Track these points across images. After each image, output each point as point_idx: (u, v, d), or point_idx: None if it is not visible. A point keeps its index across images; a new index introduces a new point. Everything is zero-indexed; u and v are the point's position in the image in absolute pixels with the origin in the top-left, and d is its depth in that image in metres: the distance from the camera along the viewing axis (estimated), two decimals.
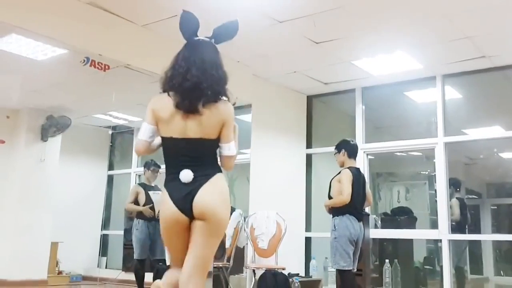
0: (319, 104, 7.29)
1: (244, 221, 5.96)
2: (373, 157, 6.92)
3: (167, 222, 2.47)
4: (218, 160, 2.56)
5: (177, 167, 2.45)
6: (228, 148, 2.54)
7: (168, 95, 2.50)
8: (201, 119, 2.45)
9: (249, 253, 5.97)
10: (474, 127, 6.78)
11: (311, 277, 6.39)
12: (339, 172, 5.16)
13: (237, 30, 2.69)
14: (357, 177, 5.09)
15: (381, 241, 6.70)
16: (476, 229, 7.43)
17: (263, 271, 5.41)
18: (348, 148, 5.24)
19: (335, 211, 5.05)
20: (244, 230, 5.93)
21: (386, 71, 6.13)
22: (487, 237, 6.79)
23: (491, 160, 8.61)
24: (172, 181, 2.47)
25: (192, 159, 2.47)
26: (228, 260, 5.89)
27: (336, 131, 6.94)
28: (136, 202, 6.09)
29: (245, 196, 6.21)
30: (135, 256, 5.96)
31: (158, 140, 2.59)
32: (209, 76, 2.48)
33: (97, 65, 5.28)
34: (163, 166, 6.69)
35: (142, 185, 6.23)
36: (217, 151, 2.55)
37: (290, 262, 6.03)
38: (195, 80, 2.45)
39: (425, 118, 6.55)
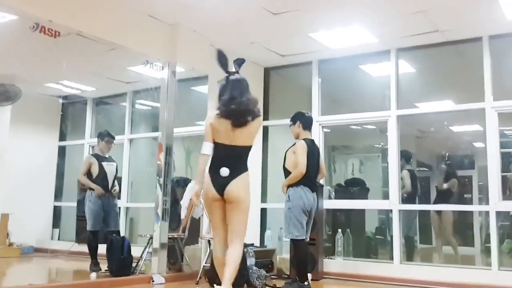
0: (276, 76, 7.29)
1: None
2: (329, 130, 7.01)
3: (209, 200, 3.62)
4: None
5: (220, 164, 3.57)
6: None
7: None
8: (243, 130, 3.61)
9: (205, 224, 5.98)
10: (426, 101, 6.93)
11: (266, 246, 6.48)
12: (294, 144, 5.21)
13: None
14: (312, 148, 5.17)
15: (335, 212, 6.85)
16: (426, 200, 7.66)
17: None
18: (303, 120, 5.30)
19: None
20: (200, 201, 5.92)
21: (342, 44, 6.16)
22: (436, 207, 7.01)
23: (441, 133, 8.87)
24: (215, 172, 3.58)
25: (232, 160, 3.60)
26: (183, 231, 5.90)
27: (293, 104, 6.97)
28: (89, 173, 6.00)
29: None
30: (88, 227, 5.91)
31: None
32: (250, 102, 3.66)
33: (47, 32, 5.09)
34: (118, 137, 6.59)
35: (96, 155, 6.13)
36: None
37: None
38: (244, 107, 3.62)
39: (379, 91, 6.65)
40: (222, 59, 3.79)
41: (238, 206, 3.56)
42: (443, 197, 7.15)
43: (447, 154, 8.36)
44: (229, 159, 3.60)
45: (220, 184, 3.55)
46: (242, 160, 3.65)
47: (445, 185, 7.29)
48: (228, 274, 3.47)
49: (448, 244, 7.35)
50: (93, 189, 5.91)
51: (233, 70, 3.82)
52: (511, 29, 5.55)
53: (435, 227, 7.32)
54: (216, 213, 3.64)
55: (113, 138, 6.20)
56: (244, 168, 3.64)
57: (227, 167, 3.56)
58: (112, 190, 6.03)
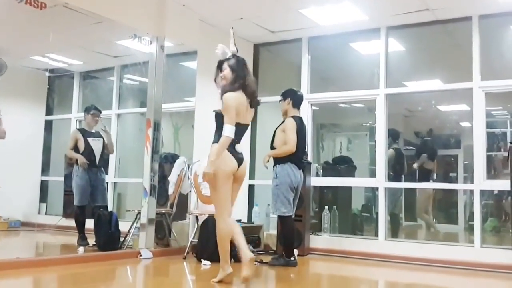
0: (265, 53, 7.25)
1: (188, 168, 5.97)
2: (317, 108, 7.02)
3: (229, 172, 3.86)
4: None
5: (235, 141, 3.85)
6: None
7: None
8: (252, 111, 4.00)
9: (193, 200, 6.01)
10: (414, 80, 6.95)
11: (253, 223, 6.53)
12: (283, 121, 5.22)
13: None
14: (300, 126, 5.19)
15: (322, 189, 6.90)
16: (413, 178, 7.74)
17: (206, 217, 5.47)
18: (295, 98, 5.31)
19: (277, 159, 5.14)
20: (188, 177, 5.94)
21: (332, 21, 6.13)
22: (421, 185, 7.09)
23: (429, 112, 8.93)
24: (232, 147, 3.83)
25: (241, 138, 3.96)
26: (171, 207, 5.92)
27: (282, 81, 6.95)
28: (76, 148, 5.97)
29: (190, 144, 6.19)
30: (75, 202, 5.91)
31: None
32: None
33: (33, 3, 5.01)
34: (105, 112, 6.57)
35: (82, 130, 6.09)
36: None
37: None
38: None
39: (368, 69, 6.65)
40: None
41: (242, 183, 4.04)
42: (423, 176, 7.19)
43: (427, 132, 8.37)
44: (241, 137, 3.93)
45: (238, 159, 3.85)
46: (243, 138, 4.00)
47: (426, 164, 7.32)
48: (244, 242, 3.82)
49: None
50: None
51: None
52: (501, 9, 5.55)
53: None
54: (229, 186, 3.86)
55: (99, 111, 6.16)
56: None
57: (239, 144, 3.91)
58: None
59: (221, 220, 3.85)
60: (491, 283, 4.99)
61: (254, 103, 3.97)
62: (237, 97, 3.84)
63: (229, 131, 3.74)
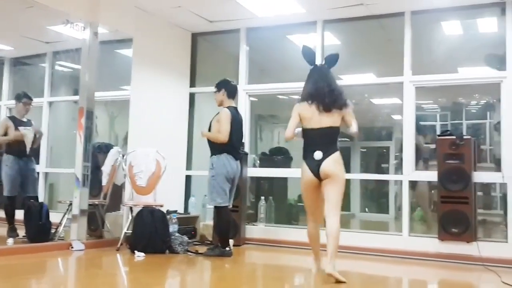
0: (204, 43, 7.21)
1: (123, 158, 5.87)
2: (256, 99, 7.06)
3: (306, 184, 4.05)
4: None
5: (313, 148, 3.99)
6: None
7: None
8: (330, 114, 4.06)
9: (127, 190, 5.92)
10: (349, 73, 7.11)
11: (189, 213, 6.51)
12: (218, 113, 5.23)
13: (337, 60, 4.38)
14: (236, 116, 5.21)
15: (259, 180, 6.97)
16: (347, 169, 7.94)
17: (140, 208, 5.40)
18: (229, 88, 5.31)
19: (214, 150, 5.15)
20: (123, 168, 5.84)
21: (270, 12, 6.16)
22: (355, 176, 7.30)
23: (362, 105, 9.18)
24: (308, 157, 4.02)
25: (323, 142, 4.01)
26: (105, 198, 5.81)
27: (220, 71, 6.93)
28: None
29: (125, 134, 6.09)
30: (5, 193, 5.71)
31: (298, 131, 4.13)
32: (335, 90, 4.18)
33: None
34: (36, 99, 6.35)
35: (12, 118, 5.87)
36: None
37: (169, 199, 6.09)
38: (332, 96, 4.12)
39: (305, 62, 6.73)
40: (308, 54, 4.44)
41: (333, 179, 3.93)
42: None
43: None
44: (320, 142, 4.05)
45: (314, 167, 3.97)
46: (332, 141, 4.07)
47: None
48: (331, 248, 3.83)
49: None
50: (10, 154, 5.70)
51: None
52: (432, 6, 5.76)
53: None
54: (313, 195, 4.07)
55: (31, 99, 5.95)
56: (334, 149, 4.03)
57: (320, 150, 3.97)
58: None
59: (308, 224, 4.21)
60: (418, 271, 5.22)
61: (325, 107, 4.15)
62: (299, 106, 4.22)
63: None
